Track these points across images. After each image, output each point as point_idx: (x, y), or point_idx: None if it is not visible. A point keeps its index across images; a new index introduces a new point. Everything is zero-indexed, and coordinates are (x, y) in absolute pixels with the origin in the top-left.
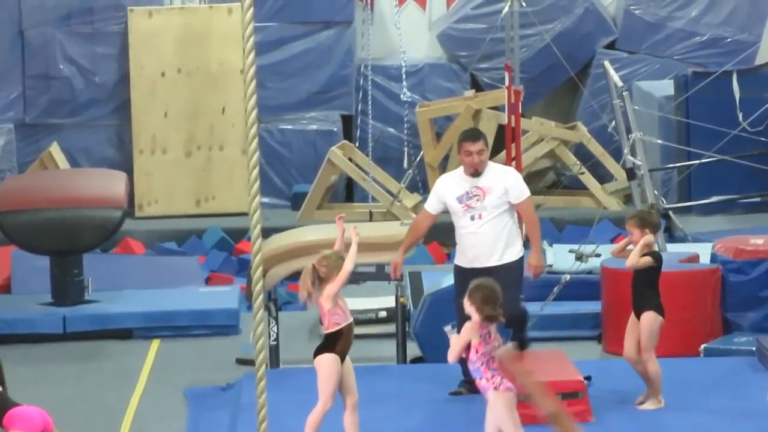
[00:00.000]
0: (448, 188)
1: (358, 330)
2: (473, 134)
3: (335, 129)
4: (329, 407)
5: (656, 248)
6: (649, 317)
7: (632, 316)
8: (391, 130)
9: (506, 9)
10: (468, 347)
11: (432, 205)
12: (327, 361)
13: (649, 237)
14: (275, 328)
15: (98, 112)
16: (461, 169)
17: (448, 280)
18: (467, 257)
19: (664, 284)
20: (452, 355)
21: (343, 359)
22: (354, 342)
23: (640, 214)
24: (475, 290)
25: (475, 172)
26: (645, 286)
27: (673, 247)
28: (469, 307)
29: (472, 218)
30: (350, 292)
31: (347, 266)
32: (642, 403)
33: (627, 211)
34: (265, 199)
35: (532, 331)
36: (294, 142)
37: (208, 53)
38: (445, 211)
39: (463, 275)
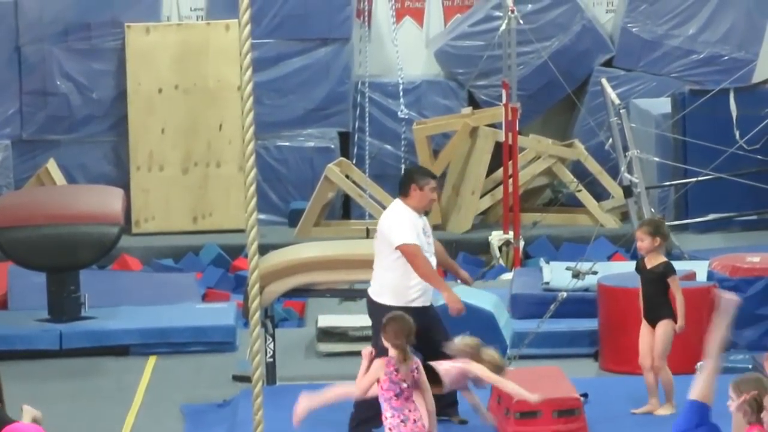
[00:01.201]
0: (413, 222)
1: (353, 347)
2: (434, 174)
3: (332, 146)
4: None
5: (665, 258)
6: (666, 326)
7: (644, 325)
8: (389, 147)
9: (503, 26)
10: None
11: (417, 239)
12: (375, 364)
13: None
14: (272, 345)
15: (95, 128)
16: (401, 204)
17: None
18: (415, 295)
19: None
20: (360, 390)
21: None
22: (350, 359)
23: (654, 222)
24: (389, 325)
25: (429, 211)
26: (659, 295)
27: None
28: (386, 342)
29: (430, 255)
30: (347, 308)
31: (494, 379)
32: (650, 412)
33: (624, 228)
34: (262, 216)
35: (529, 348)
36: (291, 159)
37: (205, 70)
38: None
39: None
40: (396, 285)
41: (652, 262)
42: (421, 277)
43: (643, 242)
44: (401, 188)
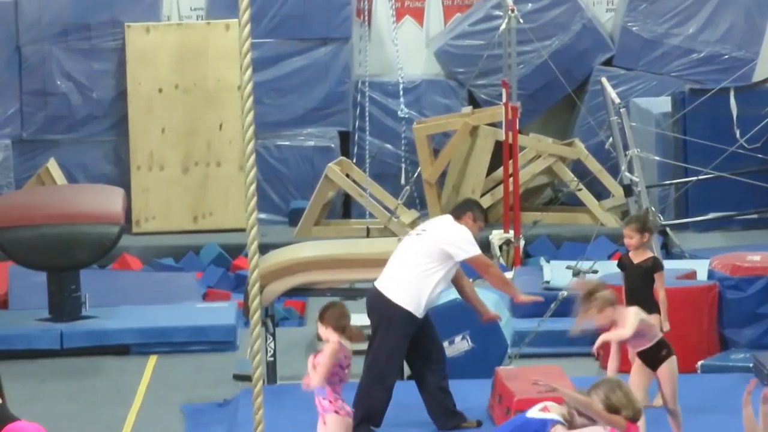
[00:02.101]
0: None
1: (355, 346)
2: (487, 218)
3: (332, 145)
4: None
5: (655, 253)
6: (656, 320)
7: None
8: (389, 146)
9: (504, 26)
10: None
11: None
12: (327, 349)
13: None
14: (272, 344)
15: (95, 128)
16: (455, 222)
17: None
18: (424, 307)
19: None
20: (318, 379)
21: None
22: (353, 357)
23: (641, 218)
24: (328, 312)
25: None
26: (645, 291)
27: (670, 264)
28: (324, 330)
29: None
30: (348, 308)
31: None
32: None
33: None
34: (263, 215)
35: (529, 347)
36: (291, 159)
37: (205, 69)
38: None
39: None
40: (416, 290)
41: (639, 257)
42: (496, 284)
43: (632, 239)
44: (457, 210)
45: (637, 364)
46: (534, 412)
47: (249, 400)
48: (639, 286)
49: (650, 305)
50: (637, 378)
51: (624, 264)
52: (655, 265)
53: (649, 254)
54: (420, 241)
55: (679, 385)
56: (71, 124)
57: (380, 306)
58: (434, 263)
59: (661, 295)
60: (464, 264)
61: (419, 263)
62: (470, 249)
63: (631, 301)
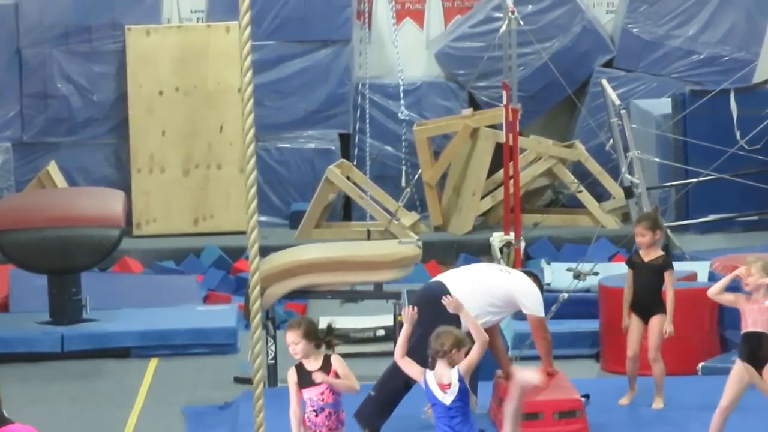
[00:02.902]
0: None
1: (356, 348)
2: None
3: (333, 147)
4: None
5: (662, 251)
6: (662, 320)
7: (635, 318)
8: (389, 148)
9: (504, 27)
10: None
11: None
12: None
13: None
14: (273, 347)
15: (96, 130)
16: None
17: None
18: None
19: None
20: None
21: None
22: (352, 360)
23: (652, 217)
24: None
25: None
26: (655, 290)
27: None
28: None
29: None
30: (348, 310)
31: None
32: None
33: (625, 229)
34: (263, 218)
35: (531, 349)
36: (292, 161)
37: (205, 72)
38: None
39: None
40: (469, 306)
41: (650, 255)
42: (542, 350)
43: (645, 237)
44: (529, 274)
45: (737, 367)
46: (446, 397)
47: (250, 402)
48: (650, 284)
49: (658, 305)
50: (736, 376)
51: (634, 262)
52: (665, 263)
53: (660, 252)
54: (501, 277)
55: (678, 387)
56: (72, 126)
57: (433, 296)
58: (499, 302)
59: (669, 295)
60: None
61: (488, 295)
62: (539, 309)
63: (639, 301)
